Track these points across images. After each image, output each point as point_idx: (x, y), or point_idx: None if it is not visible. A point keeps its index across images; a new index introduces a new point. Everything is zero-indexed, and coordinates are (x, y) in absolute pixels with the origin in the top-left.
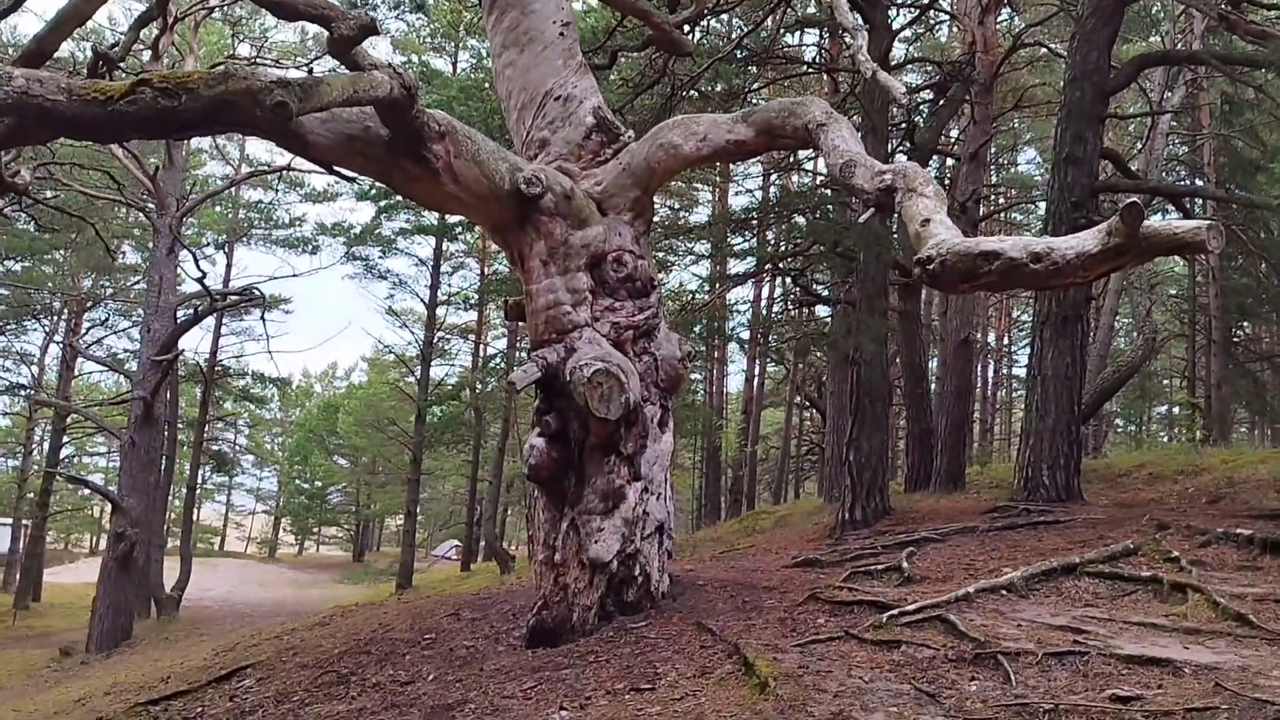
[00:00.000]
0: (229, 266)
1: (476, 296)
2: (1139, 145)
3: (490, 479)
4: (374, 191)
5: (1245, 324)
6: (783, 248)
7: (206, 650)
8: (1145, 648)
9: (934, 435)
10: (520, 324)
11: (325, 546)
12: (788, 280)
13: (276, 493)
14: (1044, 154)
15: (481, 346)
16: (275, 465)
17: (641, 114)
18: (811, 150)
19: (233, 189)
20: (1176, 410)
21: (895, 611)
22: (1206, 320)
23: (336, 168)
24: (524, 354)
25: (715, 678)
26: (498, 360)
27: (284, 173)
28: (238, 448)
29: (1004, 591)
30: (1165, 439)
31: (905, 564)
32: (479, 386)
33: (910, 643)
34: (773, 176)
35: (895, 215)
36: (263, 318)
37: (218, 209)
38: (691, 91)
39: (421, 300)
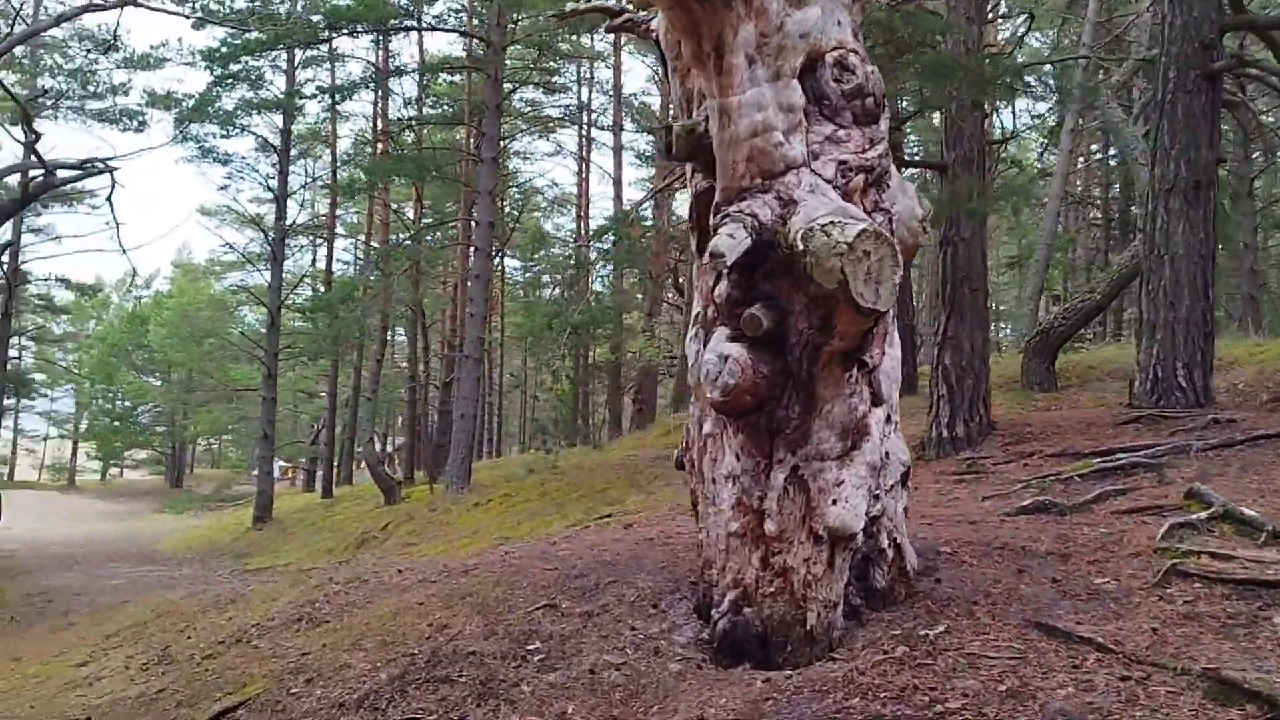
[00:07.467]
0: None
1: (328, 185)
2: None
3: (368, 395)
4: (221, 51)
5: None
6: None
7: (94, 646)
8: None
9: (916, 334)
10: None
11: (133, 471)
12: None
13: (74, 414)
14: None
15: (332, 244)
16: (71, 384)
17: None
18: None
19: (56, 29)
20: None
21: None
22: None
23: None
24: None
25: None
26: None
27: (113, 28)
28: (25, 365)
29: None
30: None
31: (1249, 510)
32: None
33: None
34: None
35: None
36: (110, 200)
37: (12, 75)
38: None
39: (268, 188)
